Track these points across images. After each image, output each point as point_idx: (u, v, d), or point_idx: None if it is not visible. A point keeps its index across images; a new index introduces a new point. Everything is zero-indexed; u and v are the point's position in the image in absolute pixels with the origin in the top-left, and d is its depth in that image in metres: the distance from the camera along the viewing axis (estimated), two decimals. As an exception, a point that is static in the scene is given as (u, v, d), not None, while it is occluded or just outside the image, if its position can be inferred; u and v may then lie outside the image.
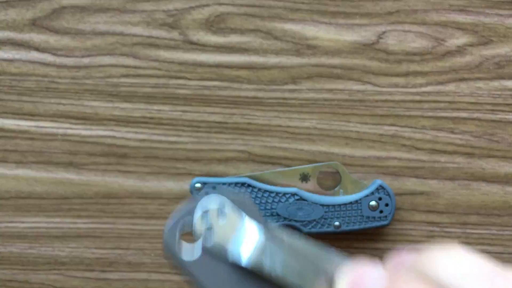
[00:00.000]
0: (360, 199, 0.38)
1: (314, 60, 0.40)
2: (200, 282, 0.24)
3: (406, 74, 0.40)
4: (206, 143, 0.40)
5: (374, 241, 0.40)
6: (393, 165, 0.40)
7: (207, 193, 0.25)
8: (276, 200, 0.38)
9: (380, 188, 0.38)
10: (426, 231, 0.40)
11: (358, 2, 0.39)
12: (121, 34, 0.40)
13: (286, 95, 0.40)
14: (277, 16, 0.40)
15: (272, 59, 0.40)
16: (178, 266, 0.25)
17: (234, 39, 0.40)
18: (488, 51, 0.40)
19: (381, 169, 0.40)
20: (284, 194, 0.38)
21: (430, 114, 0.40)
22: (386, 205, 0.38)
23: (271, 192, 0.38)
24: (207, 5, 0.40)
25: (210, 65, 0.40)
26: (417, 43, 0.40)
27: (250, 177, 0.39)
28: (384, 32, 0.40)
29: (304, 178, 0.39)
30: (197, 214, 0.25)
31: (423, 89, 0.40)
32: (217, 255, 0.25)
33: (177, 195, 0.40)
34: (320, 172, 0.39)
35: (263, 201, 0.38)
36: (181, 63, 0.40)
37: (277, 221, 0.38)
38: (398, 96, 0.40)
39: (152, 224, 0.40)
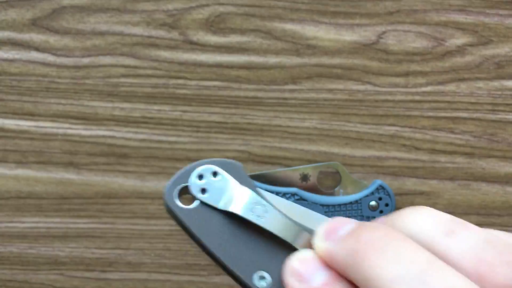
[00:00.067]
0: (360, 199, 0.38)
1: (314, 60, 0.40)
2: (195, 232, 0.27)
3: (406, 74, 0.40)
4: (206, 143, 0.40)
5: (374, 241, 0.40)
6: (393, 165, 0.40)
7: (203, 162, 0.29)
8: (276, 200, 0.38)
9: (380, 188, 0.38)
10: (426, 231, 0.40)
11: (358, 2, 0.39)
12: (121, 34, 0.40)
13: (286, 95, 0.40)
14: (277, 16, 0.40)
15: (272, 59, 0.40)
16: (177, 216, 0.28)
17: (234, 39, 0.40)
18: (488, 51, 0.40)
19: (381, 169, 0.40)
20: (284, 194, 0.38)
21: (430, 114, 0.40)
22: (386, 205, 0.38)
23: (271, 192, 0.38)
24: (207, 5, 0.40)
25: (210, 65, 0.40)
26: (417, 43, 0.40)
27: (250, 177, 0.38)
28: (384, 32, 0.40)
29: (304, 178, 0.39)
30: (194, 175, 0.28)
31: (423, 89, 0.40)
32: (211, 208, 0.28)
33: (177, 195, 0.40)
34: (320, 172, 0.39)
35: (263, 201, 0.38)
36: (181, 63, 0.40)
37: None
38: (398, 96, 0.40)
39: (152, 224, 0.40)
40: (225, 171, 0.29)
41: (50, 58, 0.40)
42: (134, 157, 0.40)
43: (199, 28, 0.40)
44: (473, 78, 0.40)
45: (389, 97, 0.40)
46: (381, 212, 0.38)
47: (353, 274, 0.20)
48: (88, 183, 0.40)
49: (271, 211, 0.27)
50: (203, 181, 0.28)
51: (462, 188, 0.40)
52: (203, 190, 0.28)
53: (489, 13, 0.39)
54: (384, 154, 0.40)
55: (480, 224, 0.40)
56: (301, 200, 0.38)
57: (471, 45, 0.40)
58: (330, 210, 0.38)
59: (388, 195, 0.38)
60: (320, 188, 0.39)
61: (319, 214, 0.30)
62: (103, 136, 0.40)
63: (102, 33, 0.40)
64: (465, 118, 0.40)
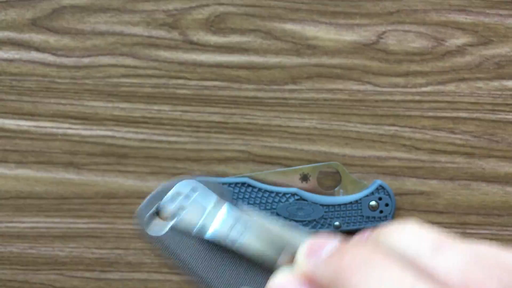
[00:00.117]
0: (360, 199, 0.38)
1: (314, 60, 0.40)
2: (168, 255, 0.26)
3: (406, 74, 0.40)
4: (206, 143, 0.40)
5: (374, 241, 0.40)
6: (393, 165, 0.40)
7: (180, 179, 0.28)
8: (276, 200, 0.38)
9: (380, 188, 0.38)
10: (426, 231, 0.40)
11: (358, 2, 0.39)
12: (121, 34, 0.40)
13: (286, 95, 0.40)
14: (277, 16, 0.40)
15: (272, 59, 0.40)
16: (147, 240, 0.27)
17: (234, 39, 0.40)
18: (488, 51, 0.40)
19: (381, 169, 0.40)
20: (284, 194, 0.38)
21: (430, 114, 0.40)
22: (386, 205, 0.38)
23: (271, 192, 0.38)
24: (207, 5, 0.40)
25: (210, 65, 0.40)
26: (417, 43, 0.40)
27: (250, 177, 0.39)
28: (384, 32, 0.40)
29: (304, 178, 0.39)
30: (168, 196, 0.27)
31: (423, 89, 0.40)
32: (184, 232, 0.26)
33: (177, 195, 0.40)
34: (320, 172, 0.39)
35: (263, 201, 0.38)
36: (181, 63, 0.40)
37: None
38: (398, 96, 0.40)
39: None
40: (202, 188, 0.27)
41: (50, 58, 0.40)
42: (134, 157, 0.40)
43: (199, 28, 0.40)
44: (473, 78, 0.40)
45: (389, 97, 0.40)
46: (381, 212, 0.38)
47: None
48: (88, 183, 0.40)
49: (251, 229, 0.25)
50: (178, 200, 0.27)
51: (462, 188, 0.40)
52: (179, 210, 0.27)
53: (489, 13, 0.39)
54: (384, 154, 0.40)
55: (480, 224, 0.40)
56: (301, 200, 0.38)
57: (471, 45, 0.40)
58: (330, 210, 0.38)
59: (388, 195, 0.38)
60: (320, 188, 0.39)
61: (300, 228, 0.29)
62: (103, 136, 0.40)
63: (102, 33, 0.40)
64: (465, 118, 0.40)
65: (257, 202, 0.38)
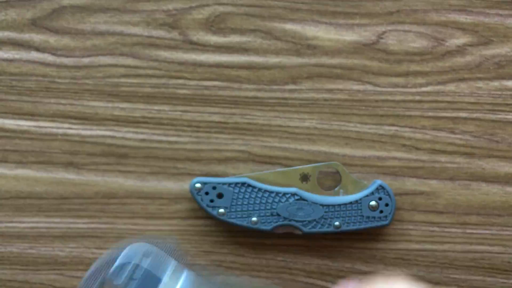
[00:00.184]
0: (360, 199, 0.38)
1: (314, 60, 0.40)
2: None
3: (406, 74, 0.40)
4: (206, 143, 0.40)
5: (374, 241, 0.40)
6: (393, 165, 0.40)
7: (131, 243, 0.23)
8: (276, 200, 0.38)
9: (380, 188, 0.38)
10: (426, 231, 0.40)
11: (358, 2, 0.39)
12: (121, 34, 0.40)
13: (286, 95, 0.40)
14: (277, 16, 0.40)
15: (272, 59, 0.40)
16: None
17: (234, 39, 0.40)
18: (488, 51, 0.40)
19: (381, 169, 0.40)
20: (284, 194, 0.38)
21: (430, 114, 0.40)
22: (386, 205, 0.38)
23: (271, 192, 0.38)
24: (207, 5, 0.40)
25: (210, 65, 0.40)
26: (417, 43, 0.40)
27: (250, 177, 0.39)
28: (384, 32, 0.40)
29: (304, 178, 0.39)
30: (115, 267, 0.23)
31: (423, 89, 0.40)
32: None
33: (177, 195, 0.40)
34: (320, 172, 0.39)
35: (263, 201, 0.38)
36: (181, 63, 0.40)
37: (276, 222, 0.38)
38: (398, 96, 0.40)
39: (152, 224, 0.40)
40: (155, 254, 0.23)
41: (50, 58, 0.40)
42: (134, 157, 0.40)
43: (199, 28, 0.40)
44: (473, 78, 0.40)
45: (389, 97, 0.40)
46: (381, 212, 0.38)
47: None
48: (88, 183, 0.40)
49: None
50: (127, 272, 0.23)
51: (462, 188, 0.40)
52: (128, 284, 0.22)
53: (489, 13, 0.39)
54: (384, 154, 0.40)
55: (480, 224, 0.40)
56: (301, 200, 0.38)
57: (471, 45, 0.40)
58: (330, 210, 0.38)
59: (388, 195, 0.38)
60: (320, 188, 0.39)
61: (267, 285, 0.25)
62: (103, 136, 0.40)
63: (102, 33, 0.40)
64: (465, 118, 0.40)
65: (257, 202, 0.38)
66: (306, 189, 0.39)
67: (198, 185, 0.38)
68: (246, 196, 0.38)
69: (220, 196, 0.38)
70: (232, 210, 0.38)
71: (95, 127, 0.40)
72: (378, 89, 0.40)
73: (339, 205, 0.38)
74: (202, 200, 0.38)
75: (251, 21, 0.40)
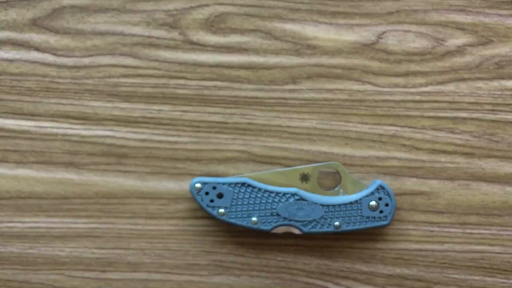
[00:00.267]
0: (360, 199, 0.38)
1: (314, 60, 0.40)
2: None
3: (406, 74, 0.40)
4: (206, 143, 0.40)
5: (374, 241, 0.40)
6: (393, 165, 0.40)
7: None
8: (276, 200, 0.38)
9: (380, 188, 0.38)
10: (426, 231, 0.40)
11: (358, 2, 0.39)
12: (121, 34, 0.40)
13: (286, 95, 0.40)
14: (277, 16, 0.40)
15: (272, 59, 0.40)
16: None
17: (234, 39, 0.40)
18: (488, 51, 0.40)
19: (381, 169, 0.40)
20: (284, 194, 0.38)
21: (430, 114, 0.40)
22: (386, 205, 0.38)
23: (271, 192, 0.38)
24: (207, 5, 0.40)
25: (210, 65, 0.40)
26: (417, 43, 0.40)
27: (250, 177, 0.39)
28: (384, 32, 0.40)
29: (304, 178, 0.39)
30: None
31: (423, 89, 0.40)
32: None
33: (177, 195, 0.40)
34: (320, 172, 0.39)
35: (263, 201, 0.38)
36: (181, 63, 0.40)
37: (276, 222, 0.38)
38: (398, 96, 0.40)
39: (152, 224, 0.40)
40: None
41: (50, 58, 0.40)
42: (134, 157, 0.40)
43: (199, 28, 0.40)
44: (473, 78, 0.40)
45: (389, 97, 0.40)
46: (381, 212, 0.38)
47: None
48: (88, 183, 0.40)
49: None
50: None
51: (462, 188, 0.40)
52: None
53: (489, 13, 0.39)
54: (384, 154, 0.40)
55: (480, 224, 0.40)
56: (301, 200, 0.38)
57: (471, 45, 0.40)
58: (330, 210, 0.38)
59: (388, 195, 0.38)
60: (320, 188, 0.39)
61: None
62: (103, 136, 0.40)
63: (102, 33, 0.40)
64: (465, 118, 0.40)
65: (257, 202, 0.38)
66: (306, 189, 0.39)
67: (198, 185, 0.38)
68: (246, 196, 0.38)
69: (220, 196, 0.38)
70: (232, 210, 0.38)
71: (95, 127, 0.40)
72: (378, 89, 0.40)
73: (339, 205, 0.38)
74: (202, 200, 0.38)
75: (251, 21, 0.40)
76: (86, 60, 0.40)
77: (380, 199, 0.38)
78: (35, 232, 0.40)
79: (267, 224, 0.38)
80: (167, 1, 0.40)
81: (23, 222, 0.40)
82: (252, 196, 0.38)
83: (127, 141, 0.40)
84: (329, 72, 0.40)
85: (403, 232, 0.40)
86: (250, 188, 0.38)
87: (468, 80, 0.40)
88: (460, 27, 0.40)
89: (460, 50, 0.40)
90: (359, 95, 0.40)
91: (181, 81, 0.40)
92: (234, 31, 0.40)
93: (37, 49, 0.40)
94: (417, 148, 0.40)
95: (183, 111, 0.40)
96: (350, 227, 0.38)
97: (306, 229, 0.38)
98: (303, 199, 0.38)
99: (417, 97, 0.40)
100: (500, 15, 0.39)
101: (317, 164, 0.39)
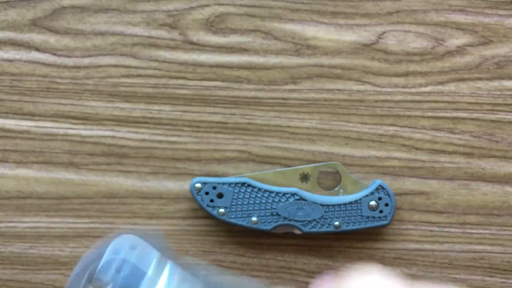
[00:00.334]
0: (360, 199, 0.38)
1: (314, 60, 0.40)
2: None
3: (406, 74, 0.40)
4: (206, 143, 0.40)
5: (374, 241, 0.40)
6: (393, 165, 0.40)
7: (117, 235, 0.24)
8: (276, 200, 0.38)
9: (380, 188, 0.38)
10: (426, 231, 0.40)
11: (358, 2, 0.39)
12: (121, 34, 0.40)
13: (286, 95, 0.40)
14: (277, 16, 0.40)
15: (272, 59, 0.40)
16: None
17: (234, 39, 0.40)
18: (488, 51, 0.40)
19: (381, 169, 0.40)
20: (284, 194, 0.38)
21: (430, 114, 0.40)
22: (386, 205, 0.38)
23: (271, 192, 0.38)
24: (207, 5, 0.40)
25: (210, 65, 0.40)
26: (417, 43, 0.40)
27: (250, 177, 0.39)
28: (384, 32, 0.40)
29: (304, 178, 0.39)
30: (103, 260, 0.23)
31: (423, 89, 0.40)
32: None
33: (177, 195, 0.40)
34: (320, 172, 0.39)
35: (263, 201, 0.38)
36: (181, 63, 0.40)
37: (276, 221, 0.38)
38: (398, 96, 0.40)
39: (152, 224, 0.40)
40: (141, 245, 0.24)
41: (50, 58, 0.40)
42: (134, 157, 0.40)
43: (199, 28, 0.40)
44: (473, 78, 0.40)
45: (389, 97, 0.40)
46: (381, 212, 0.38)
47: None
48: (88, 183, 0.40)
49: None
50: (115, 264, 0.23)
51: (462, 188, 0.40)
52: (116, 276, 0.23)
53: (489, 13, 0.40)
54: (384, 154, 0.40)
55: (479, 224, 0.40)
56: (301, 200, 0.38)
57: (471, 45, 0.40)
58: (330, 210, 0.38)
59: (388, 195, 0.38)
60: (320, 188, 0.39)
61: (251, 282, 0.25)
62: (103, 136, 0.40)
63: (102, 33, 0.40)
64: (465, 118, 0.40)
65: (257, 202, 0.38)
66: (306, 189, 0.39)
67: (198, 185, 0.38)
68: (246, 196, 0.38)
69: (220, 196, 0.38)
70: (232, 210, 0.38)
71: (95, 127, 0.40)
72: (378, 89, 0.40)
73: (339, 205, 0.38)
74: (202, 200, 0.38)
75: (251, 21, 0.40)
76: (86, 60, 0.40)
77: (380, 199, 0.38)
78: (35, 232, 0.40)
79: (267, 224, 0.38)
80: (167, 1, 0.40)
81: (23, 222, 0.40)
82: (252, 196, 0.38)
83: (128, 141, 0.40)
84: (329, 72, 0.40)
85: (403, 232, 0.40)
86: (250, 188, 0.38)
87: (468, 80, 0.40)
88: (460, 27, 0.40)
89: (460, 50, 0.40)
90: (359, 95, 0.40)
91: (181, 81, 0.40)
92: (234, 31, 0.40)
93: (37, 49, 0.40)
94: (417, 148, 0.40)
95: (183, 111, 0.40)
96: (350, 227, 0.38)
97: (306, 229, 0.38)
98: (303, 199, 0.38)
99: (417, 97, 0.40)
100: (500, 15, 0.39)
101: (317, 164, 0.39)
